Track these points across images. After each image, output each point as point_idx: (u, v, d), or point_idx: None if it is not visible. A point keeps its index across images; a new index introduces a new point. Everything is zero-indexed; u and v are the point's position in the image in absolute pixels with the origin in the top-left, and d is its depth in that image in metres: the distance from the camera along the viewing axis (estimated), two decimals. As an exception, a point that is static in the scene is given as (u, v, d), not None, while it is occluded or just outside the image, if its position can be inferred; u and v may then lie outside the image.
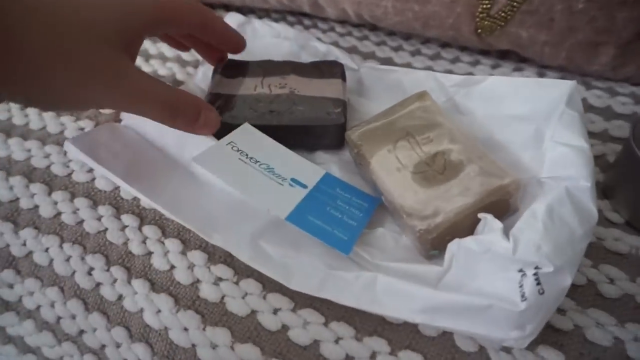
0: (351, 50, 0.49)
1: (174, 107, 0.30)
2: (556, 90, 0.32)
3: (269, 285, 0.29)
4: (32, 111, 0.42)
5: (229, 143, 0.32)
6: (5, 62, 0.23)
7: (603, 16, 0.39)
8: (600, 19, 0.39)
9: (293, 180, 0.32)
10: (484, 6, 0.41)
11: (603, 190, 0.35)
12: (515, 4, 0.40)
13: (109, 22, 0.27)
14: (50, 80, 0.25)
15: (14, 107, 0.42)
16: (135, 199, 0.34)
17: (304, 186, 0.32)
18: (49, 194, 0.35)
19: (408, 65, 0.46)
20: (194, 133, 0.32)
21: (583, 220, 0.25)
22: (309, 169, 0.33)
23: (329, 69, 0.38)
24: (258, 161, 0.32)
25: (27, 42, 0.24)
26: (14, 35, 0.23)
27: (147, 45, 0.49)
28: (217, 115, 0.32)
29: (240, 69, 0.38)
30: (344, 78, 0.38)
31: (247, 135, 0.33)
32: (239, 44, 0.37)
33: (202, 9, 0.33)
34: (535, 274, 0.23)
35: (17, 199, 0.35)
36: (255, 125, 0.34)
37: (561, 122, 0.30)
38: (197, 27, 0.33)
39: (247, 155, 0.32)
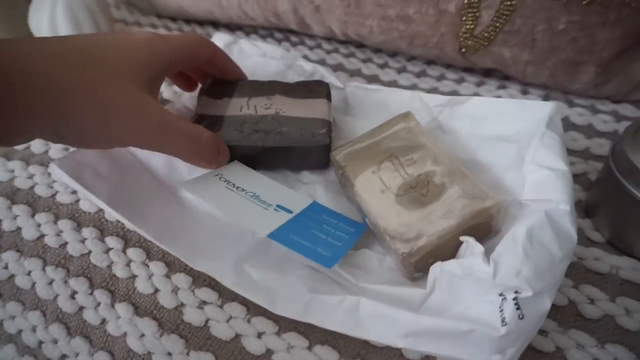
0: (337, 67, 0.49)
1: (198, 145, 0.31)
2: (537, 112, 0.33)
3: (254, 308, 0.29)
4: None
5: (217, 174, 0.33)
6: (38, 101, 0.24)
7: (584, 37, 0.39)
8: (581, 39, 0.40)
9: (278, 206, 0.32)
10: (468, 26, 0.41)
11: (584, 209, 0.35)
12: (497, 24, 0.40)
13: (134, 64, 0.29)
14: (81, 119, 0.26)
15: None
16: (119, 221, 0.34)
17: (290, 211, 0.32)
18: (32, 215, 0.35)
19: (394, 83, 0.47)
20: (209, 169, 0.33)
21: (562, 243, 0.26)
22: (296, 198, 0.33)
23: (315, 89, 0.38)
24: (244, 190, 0.32)
25: (59, 82, 0.25)
26: (46, 76, 0.24)
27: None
28: (227, 150, 0.34)
29: (226, 89, 0.38)
30: (329, 98, 0.38)
31: (235, 169, 0.34)
32: (240, 76, 0.39)
33: (210, 43, 0.35)
34: (515, 299, 0.24)
35: None
36: (240, 147, 0.34)
37: (542, 144, 0.31)
38: (207, 61, 0.36)
39: (233, 185, 0.33)
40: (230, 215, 0.31)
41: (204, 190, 0.32)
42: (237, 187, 0.32)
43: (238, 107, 0.36)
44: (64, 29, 0.47)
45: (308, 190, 0.36)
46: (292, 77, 0.43)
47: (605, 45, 0.40)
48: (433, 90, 0.46)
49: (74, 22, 0.47)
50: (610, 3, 0.37)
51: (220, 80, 0.39)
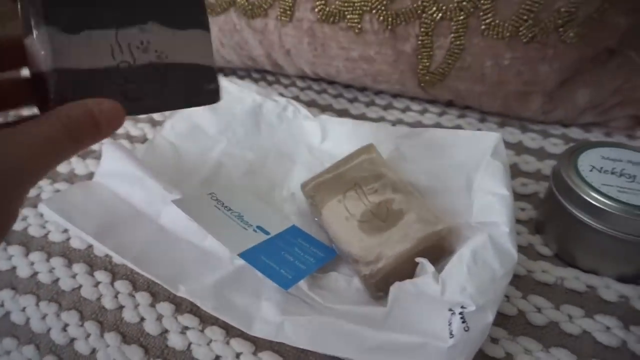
0: (311, 103, 0.53)
1: (66, 132, 0.21)
2: (484, 142, 0.36)
3: (232, 331, 0.32)
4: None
5: (210, 193, 0.36)
6: None
7: (527, 70, 0.44)
8: (525, 73, 0.44)
9: (258, 227, 0.35)
10: (424, 64, 0.45)
11: (535, 226, 0.39)
12: (450, 61, 0.45)
13: None
14: None
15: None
16: (107, 255, 0.37)
17: (267, 233, 0.35)
18: (26, 255, 0.38)
19: (363, 116, 0.51)
20: (106, 138, 0.24)
21: (503, 262, 0.29)
22: (277, 220, 0.36)
23: (189, 9, 0.27)
24: (231, 209, 0.36)
25: None
26: None
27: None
28: (112, 103, 0.23)
29: (80, 11, 0.23)
30: (207, 26, 0.28)
31: (228, 189, 0.37)
32: None
33: None
34: (461, 313, 0.27)
35: (-5, 261, 0.37)
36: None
37: (487, 171, 0.34)
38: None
39: (222, 204, 0.36)
40: (211, 233, 0.33)
41: (192, 208, 0.34)
42: (225, 207, 0.35)
43: (108, 49, 0.24)
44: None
45: (290, 213, 0.39)
46: (266, 110, 0.46)
47: (547, 77, 0.44)
48: (399, 121, 0.50)
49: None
50: (547, 41, 0.42)
51: None
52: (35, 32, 0.22)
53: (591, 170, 0.34)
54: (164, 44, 0.26)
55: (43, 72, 0.22)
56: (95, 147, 0.48)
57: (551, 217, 0.37)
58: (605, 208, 0.31)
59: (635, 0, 0.42)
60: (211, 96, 0.28)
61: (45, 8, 0.22)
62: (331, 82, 0.56)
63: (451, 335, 0.26)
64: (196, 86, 0.27)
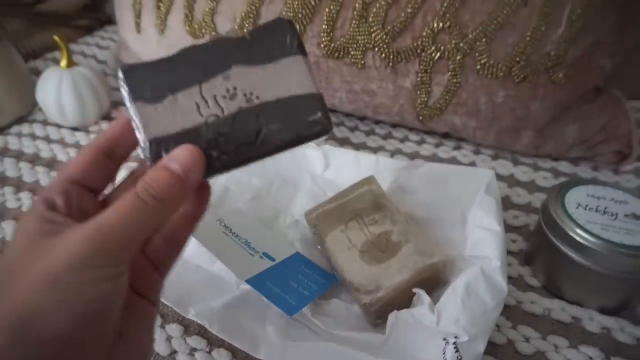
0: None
1: (143, 196, 0.20)
2: (478, 178, 0.39)
3: (238, 354, 0.33)
4: (24, 195, 0.46)
5: (219, 220, 0.38)
6: None
7: (520, 107, 0.46)
8: (518, 110, 0.47)
9: (264, 254, 0.37)
10: (422, 99, 0.48)
11: (525, 258, 0.41)
12: (447, 97, 0.47)
13: None
14: None
15: (8, 191, 0.46)
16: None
17: (273, 259, 0.37)
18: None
19: (363, 144, 0.53)
20: (192, 190, 0.22)
21: (494, 294, 0.31)
22: (282, 247, 0.39)
23: (277, 40, 0.24)
24: (239, 236, 0.38)
25: None
26: None
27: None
28: (187, 150, 0.22)
29: (161, 79, 0.23)
30: (303, 51, 0.24)
31: (236, 216, 0.39)
32: None
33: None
34: (454, 343, 0.29)
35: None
36: (225, 167, 0.23)
37: (480, 207, 0.37)
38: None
39: (230, 230, 0.38)
40: (220, 259, 0.35)
41: (203, 234, 0.36)
42: (233, 233, 0.37)
43: (193, 108, 0.23)
44: (69, 102, 0.52)
45: (294, 239, 0.41)
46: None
47: (538, 114, 0.47)
48: (398, 151, 0.52)
49: (78, 95, 0.52)
50: (539, 81, 0.45)
51: (142, 65, 0.24)
52: (129, 109, 0.23)
53: (577, 208, 0.36)
54: (252, 85, 0.24)
55: (140, 145, 0.23)
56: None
57: (540, 250, 0.39)
58: (589, 245, 0.34)
59: (618, 45, 0.45)
60: (318, 127, 0.23)
61: (129, 85, 0.23)
62: (333, 111, 0.59)
63: (445, 364, 0.28)
64: (297, 120, 0.23)
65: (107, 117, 0.58)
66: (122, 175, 0.24)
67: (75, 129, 0.56)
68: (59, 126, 0.56)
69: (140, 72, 0.23)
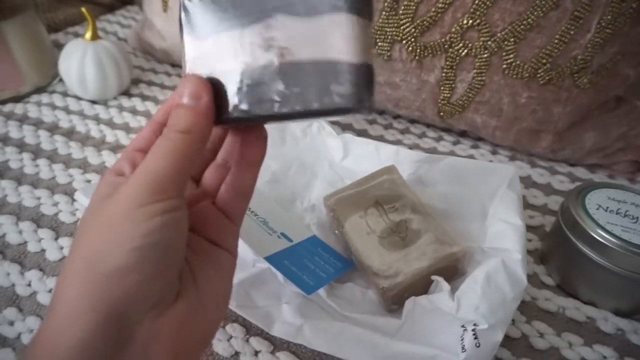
0: (332, 122, 0.55)
1: (177, 138, 0.21)
2: (500, 174, 0.39)
3: (252, 329, 0.33)
4: (42, 162, 0.46)
5: None
6: None
7: (542, 110, 0.47)
8: (539, 112, 0.47)
9: (282, 234, 0.37)
10: (445, 95, 0.48)
11: (540, 256, 0.41)
12: (470, 95, 0.47)
13: None
14: None
15: (26, 157, 0.46)
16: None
17: (290, 240, 0.37)
18: (56, 239, 0.39)
19: (381, 137, 0.53)
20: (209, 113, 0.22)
21: (514, 286, 0.31)
22: (299, 229, 0.39)
23: None
24: (257, 215, 0.37)
25: None
26: None
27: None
28: (189, 81, 0.22)
29: (213, 16, 0.22)
30: (358, 9, 0.20)
31: (255, 195, 0.39)
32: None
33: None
34: (473, 330, 0.29)
35: (25, 242, 0.39)
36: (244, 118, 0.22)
37: (502, 201, 0.37)
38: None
39: (249, 209, 0.38)
40: (240, 236, 0.35)
41: None
42: (252, 212, 0.37)
43: (230, 52, 0.22)
44: (91, 74, 0.52)
45: (310, 223, 0.41)
46: (292, 126, 0.48)
47: (559, 117, 0.47)
48: (415, 146, 0.52)
49: (100, 68, 0.52)
50: (562, 84, 0.45)
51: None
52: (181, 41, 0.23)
53: (597, 209, 0.36)
54: (289, 39, 0.21)
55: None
56: (125, 142, 0.50)
57: (556, 249, 0.39)
58: (608, 244, 0.34)
59: (645, 55, 0.46)
60: (342, 102, 0.20)
61: (186, 16, 0.23)
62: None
63: (463, 349, 0.28)
64: (323, 89, 0.20)
65: (127, 93, 0.58)
66: None
67: (94, 102, 0.56)
68: (78, 98, 0.56)
69: (199, 5, 0.23)
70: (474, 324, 0.29)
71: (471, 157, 0.52)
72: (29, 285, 0.36)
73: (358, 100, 0.20)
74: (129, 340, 0.19)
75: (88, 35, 0.53)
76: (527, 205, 0.46)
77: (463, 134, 0.54)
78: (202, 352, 0.23)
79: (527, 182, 0.48)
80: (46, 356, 0.18)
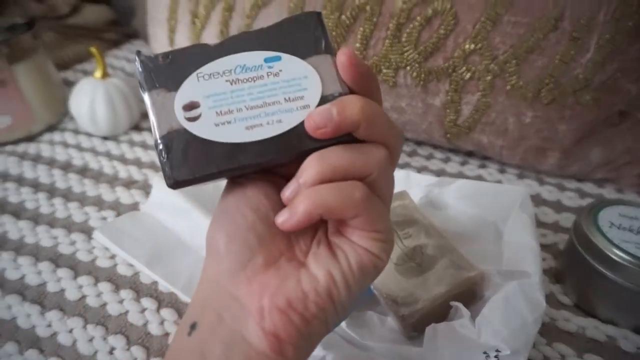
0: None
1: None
2: (511, 196, 0.39)
3: None
4: (58, 201, 0.47)
5: None
6: None
7: (547, 128, 0.47)
8: (545, 130, 0.48)
9: None
10: (451, 117, 0.49)
11: (555, 275, 0.41)
12: (476, 116, 0.48)
13: None
14: None
15: (42, 197, 0.47)
16: (153, 283, 0.39)
17: None
18: (75, 278, 0.39)
19: (389, 160, 0.54)
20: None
21: (533, 309, 0.31)
22: None
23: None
24: None
25: None
26: None
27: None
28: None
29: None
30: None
31: None
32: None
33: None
34: (496, 356, 0.29)
35: (45, 282, 0.39)
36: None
37: (516, 223, 0.37)
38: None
39: None
40: None
41: None
42: None
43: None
44: (102, 112, 0.53)
45: None
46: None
47: (565, 135, 0.48)
48: (423, 168, 0.53)
49: (111, 105, 0.54)
50: (566, 102, 0.46)
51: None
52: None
53: (610, 227, 0.37)
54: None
55: None
56: (137, 177, 0.51)
57: (571, 268, 0.39)
58: (624, 263, 0.34)
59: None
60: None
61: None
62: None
63: (488, 377, 0.28)
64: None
65: (137, 127, 0.59)
66: None
67: (105, 138, 0.57)
68: (89, 135, 0.57)
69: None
70: (497, 350, 0.29)
71: (480, 176, 0.52)
72: (49, 325, 0.37)
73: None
74: None
75: (98, 73, 0.54)
76: (538, 223, 0.46)
77: (470, 153, 0.55)
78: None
79: (536, 200, 0.49)
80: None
